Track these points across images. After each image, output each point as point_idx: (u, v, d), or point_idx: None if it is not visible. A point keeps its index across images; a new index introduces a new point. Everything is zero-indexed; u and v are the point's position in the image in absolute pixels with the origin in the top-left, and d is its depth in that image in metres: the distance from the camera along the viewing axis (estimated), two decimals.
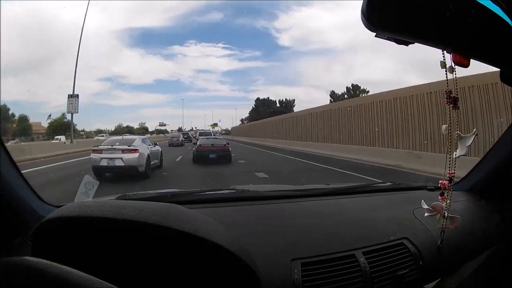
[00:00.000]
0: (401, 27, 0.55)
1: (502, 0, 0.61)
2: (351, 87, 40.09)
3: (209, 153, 11.04)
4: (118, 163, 7.24)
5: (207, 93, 78.38)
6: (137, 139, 8.49)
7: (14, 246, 0.77)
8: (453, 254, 0.98)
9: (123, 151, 7.40)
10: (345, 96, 38.88)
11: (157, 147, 9.34)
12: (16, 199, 0.82)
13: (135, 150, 7.49)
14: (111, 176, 7.42)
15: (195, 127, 54.44)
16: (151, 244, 0.60)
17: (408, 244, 0.97)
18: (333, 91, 41.66)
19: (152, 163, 8.21)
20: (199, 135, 18.65)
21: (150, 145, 8.70)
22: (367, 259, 0.88)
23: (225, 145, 11.82)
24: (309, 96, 62.20)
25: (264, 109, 47.42)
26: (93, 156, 7.49)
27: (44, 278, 0.46)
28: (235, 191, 1.26)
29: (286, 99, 49.46)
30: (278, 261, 0.83)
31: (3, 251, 0.75)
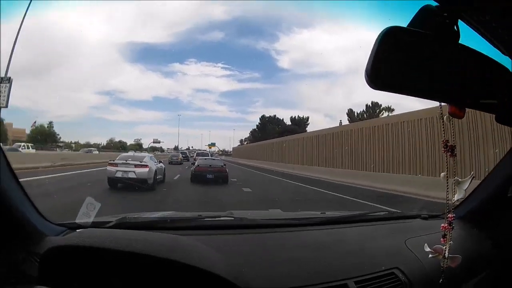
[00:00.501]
0: (401, 87, 0.59)
1: (500, 44, 0.66)
2: (370, 105, 37.87)
3: (207, 174, 11.54)
4: (131, 175, 8.63)
5: (205, 113, 78.08)
6: (147, 157, 9.95)
7: (19, 261, 0.79)
8: (446, 281, 0.98)
9: (136, 165, 8.84)
10: (365, 115, 36.34)
11: (161, 164, 10.77)
12: (17, 212, 0.83)
13: (146, 165, 8.96)
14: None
15: (192, 146, 53.06)
16: (157, 274, 0.64)
17: (398, 273, 1.02)
18: (351, 109, 39.24)
19: (157, 177, 9.63)
20: (196, 155, 18.52)
21: (156, 162, 10.15)
22: None
23: (222, 166, 12.44)
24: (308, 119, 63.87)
25: (272, 127, 45.12)
26: (109, 168, 8.87)
27: None
28: (233, 218, 1.30)
29: (298, 116, 46.26)
30: None
31: (3, 262, 0.77)
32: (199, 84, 72.78)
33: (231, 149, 53.10)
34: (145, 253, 0.62)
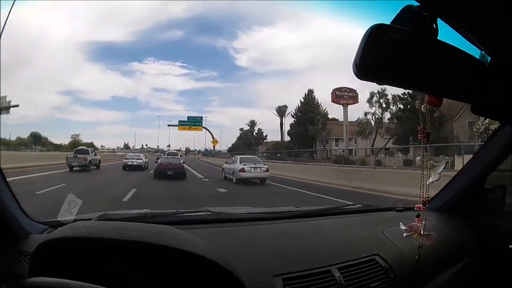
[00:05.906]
0: (387, 78, 0.63)
1: (476, 39, 0.69)
2: None
3: (167, 170, 12.69)
4: (134, 163, 18.68)
5: (162, 113, 75.50)
6: (141, 155, 20.59)
7: (6, 261, 0.79)
8: (425, 266, 1.05)
9: (136, 159, 19.18)
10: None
11: (147, 159, 21.09)
12: (4, 212, 0.84)
13: (141, 159, 19.32)
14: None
15: (146, 145, 52.29)
16: (150, 262, 0.64)
17: (379, 259, 1.07)
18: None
19: (146, 165, 20.02)
20: (167, 155, 20.89)
21: (145, 157, 20.57)
22: (342, 274, 0.97)
23: (180, 164, 13.96)
24: (266, 117, 65.16)
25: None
26: (124, 160, 19.12)
27: None
28: (211, 213, 1.34)
29: None
30: (261, 277, 0.89)
31: None
32: (157, 83, 70.06)
33: (205, 148, 46.46)
34: (141, 241, 0.62)
